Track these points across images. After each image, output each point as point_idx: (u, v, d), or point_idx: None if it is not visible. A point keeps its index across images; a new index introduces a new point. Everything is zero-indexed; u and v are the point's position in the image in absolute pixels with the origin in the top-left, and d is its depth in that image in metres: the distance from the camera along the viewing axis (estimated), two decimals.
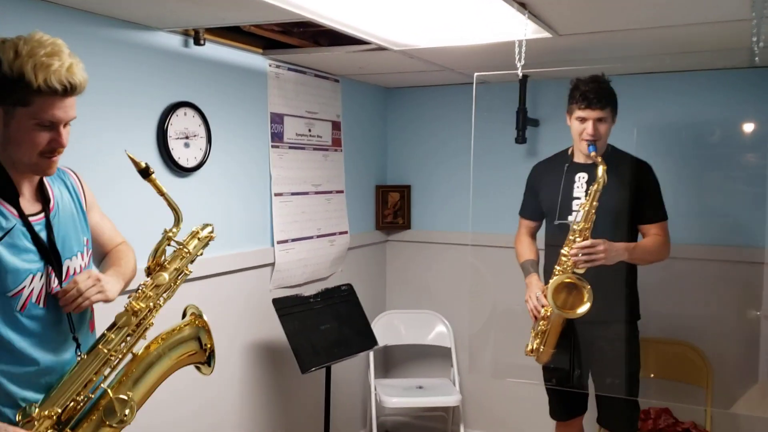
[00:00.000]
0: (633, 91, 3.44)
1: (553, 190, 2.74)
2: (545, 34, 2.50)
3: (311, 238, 3.39)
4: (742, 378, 3.25)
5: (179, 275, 1.78)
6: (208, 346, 1.83)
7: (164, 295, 1.75)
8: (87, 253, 1.73)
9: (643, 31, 2.53)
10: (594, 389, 2.82)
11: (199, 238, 1.84)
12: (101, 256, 1.85)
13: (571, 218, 2.65)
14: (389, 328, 3.96)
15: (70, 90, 1.49)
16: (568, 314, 2.57)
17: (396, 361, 4.20)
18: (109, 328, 1.66)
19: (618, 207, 2.61)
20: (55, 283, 1.61)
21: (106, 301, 1.66)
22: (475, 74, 2.87)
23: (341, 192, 3.66)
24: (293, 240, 3.26)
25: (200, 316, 1.84)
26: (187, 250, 1.80)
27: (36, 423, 1.49)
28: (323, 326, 3.11)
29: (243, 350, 3.01)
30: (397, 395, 3.63)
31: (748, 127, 3.28)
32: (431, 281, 4.09)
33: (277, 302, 2.98)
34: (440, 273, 4.05)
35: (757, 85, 3.20)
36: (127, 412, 1.59)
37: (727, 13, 2.25)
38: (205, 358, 1.84)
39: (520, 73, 2.44)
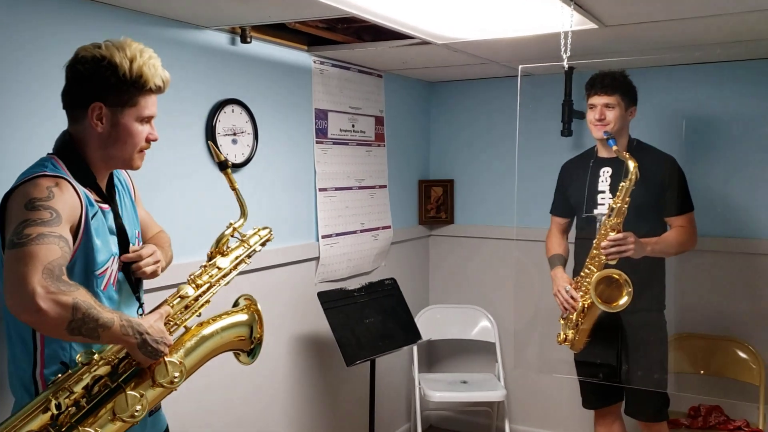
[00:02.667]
0: (681, 82, 3.38)
1: (580, 185, 2.83)
2: (591, 25, 2.47)
3: (355, 232, 3.41)
4: None
5: (238, 263, 1.87)
6: (257, 336, 1.87)
7: (224, 279, 1.82)
8: (138, 245, 1.82)
9: (692, 21, 2.47)
10: (623, 381, 2.82)
11: (259, 236, 1.97)
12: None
13: (596, 211, 2.75)
14: (433, 322, 3.96)
15: (163, 88, 1.67)
16: (608, 308, 2.60)
17: (440, 355, 4.20)
18: (170, 297, 1.73)
19: (643, 201, 2.65)
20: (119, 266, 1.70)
21: (155, 275, 1.78)
22: (520, 67, 2.84)
23: (384, 187, 3.68)
24: (337, 234, 3.29)
25: (256, 304, 1.89)
26: (248, 244, 1.91)
27: (97, 365, 1.54)
28: (367, 320, 3.13)
29: (289, 342, 3.06)
30: (442, 389, 3.63)
31: None
32: (475, 276, 4.08)
33: (322, 296, 3.02)
34: (484, 268, 4.04)
35: None
36: (177, 374, 1.63)
37: None
38: (251, 347, 1.88)
39: (565, 65, 2.42)
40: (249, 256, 1.91)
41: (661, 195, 2.72)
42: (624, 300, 2.56)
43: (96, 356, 1.54)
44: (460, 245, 4.13)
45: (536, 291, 3.62)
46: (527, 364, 3.76)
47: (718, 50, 3.01)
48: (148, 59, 1.62)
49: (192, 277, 1.78)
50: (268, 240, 2.00)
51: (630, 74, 2.73)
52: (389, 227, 3.70)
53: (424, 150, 4.14)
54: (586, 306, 2.68)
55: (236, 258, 1.87)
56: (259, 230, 1.99)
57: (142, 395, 1.57)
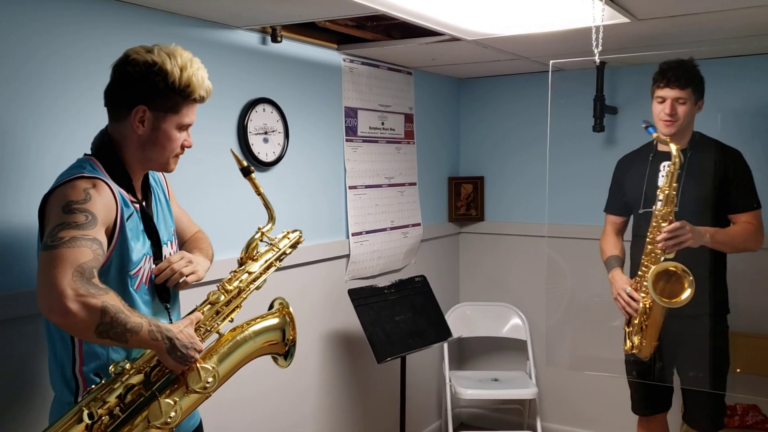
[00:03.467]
0: (717, 76, 3.31)
1: (638, 180, 2.70)
2: (623, 19, 2.44)
3: (385, 230, 3.42)
4: None
5: (269, 267, 1.89)
6: (290, 338, 1.89)
7: (254, 283, 1.84)
8: (175, 242, 1.85)
9: (727, 13, 2.43)
10: (679, 384, 2.74)
11: (289, 238, 1.98)
12: (180, 243, 1.97)
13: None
14: (463, 320, 3.96)
15: (205, 99, 1.72)
16: (671, 303, 2.47)
17: (470, 353, 4.19)
18: (201, 304, 1.75)
19: (706, 196, 2.55)
20: (154, 266, 1.73)
21: (198, 279, 1.79)
22: (551, 62, 2.82)
23: (414, 184, 3.68)
24: (367, 232, 3.31)
25: (288, 308, 1.90)
26: (277, 247, 1.93)
27: (129, 374, 1.56)
28: (398, 317, 3.14)
29: (320, 339, 3.08)
30: (473, 387, 3.63)
31: None
32: (505, 273, 4.06)
33: (352, 293, 3.04)
34: (514, 265, 4.02)
35: None
36: (210, 380, 1.65)
37: None
38: (285, 350, 1.90)
39: (597, 59, 2.38)
40: (279, 260, 1.92)
41: (725, 191, 2.58)
42: (687, 293, 2.42)
43: (128, 366, 1.57)
44: (491, 242, 4.11)
45: (568, 288, 3.59)
46: (559, 361, 3.73)
47: (755, 42, 2.95)
48: (197, 70, 1.66)
49: (222, 282, 1.79)
50: (298, 242, 2.00)
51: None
52: (419, 224, 3.70)
53: (453, 147, 4.13)
54: (648, 306, 2.55)
55: (266, 262, 1.88)
56: (288, 233, 1.99)
57: (176, 402, 1.59)
